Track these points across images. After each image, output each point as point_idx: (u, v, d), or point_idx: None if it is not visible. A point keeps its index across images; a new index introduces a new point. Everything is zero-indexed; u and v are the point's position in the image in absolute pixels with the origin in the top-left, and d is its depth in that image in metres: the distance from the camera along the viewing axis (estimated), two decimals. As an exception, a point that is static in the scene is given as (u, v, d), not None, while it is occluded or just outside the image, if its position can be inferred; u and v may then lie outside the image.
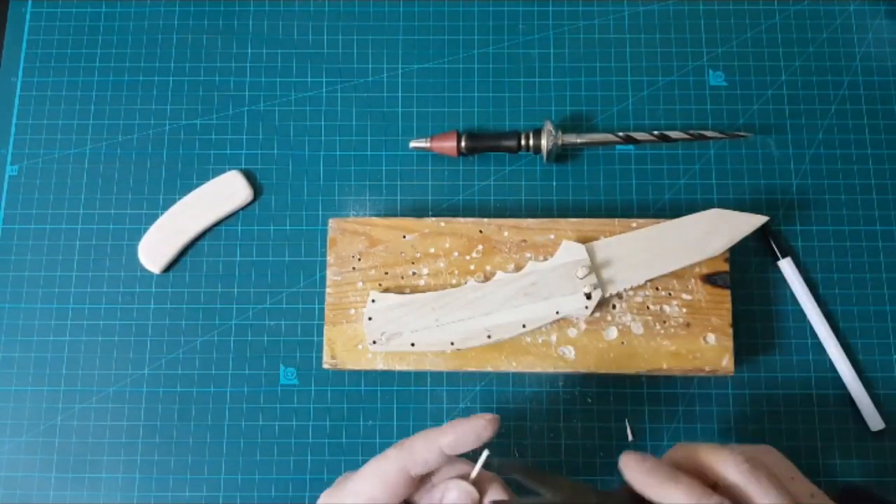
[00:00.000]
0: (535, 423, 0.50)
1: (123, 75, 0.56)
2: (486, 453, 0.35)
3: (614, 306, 0.47)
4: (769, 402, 0.50)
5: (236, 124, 0.55)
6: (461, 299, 0.46)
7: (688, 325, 0.47)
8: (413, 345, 0.46)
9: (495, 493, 0.36)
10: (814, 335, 0.50)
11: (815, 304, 0.50)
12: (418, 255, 0.48)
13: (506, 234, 0.48)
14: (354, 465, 0.49)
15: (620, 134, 0.51)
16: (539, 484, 0.36)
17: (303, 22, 0.56)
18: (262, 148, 0.54)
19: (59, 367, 0.51)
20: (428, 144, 0.53)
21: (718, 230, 0.47)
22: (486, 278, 0.48)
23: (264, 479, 0.49)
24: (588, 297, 0.46)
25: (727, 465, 0.34)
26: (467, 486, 0.35)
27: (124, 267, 0.52)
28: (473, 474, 0.36)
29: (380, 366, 0.47)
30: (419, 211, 0.53)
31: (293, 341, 0.51)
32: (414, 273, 0.48)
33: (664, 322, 0.47)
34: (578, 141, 0.52)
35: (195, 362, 0.51)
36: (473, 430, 0.35)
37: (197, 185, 0.53)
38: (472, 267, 0.48)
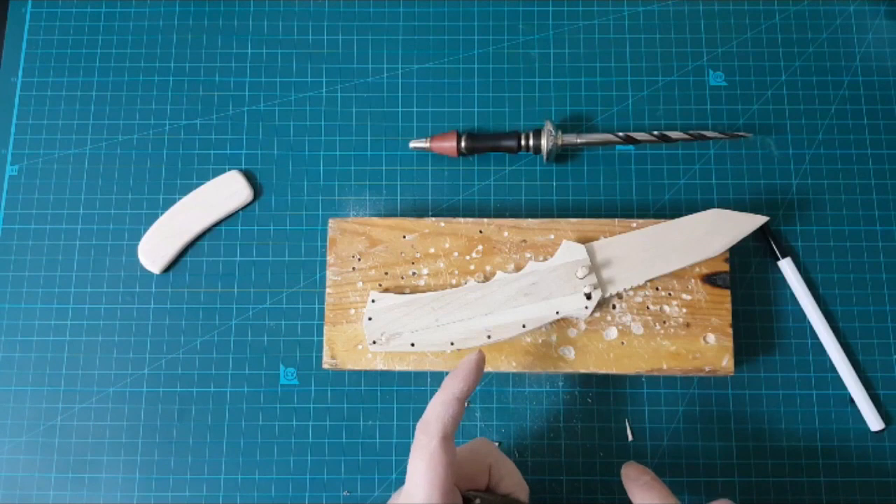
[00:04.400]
0: (535, 423, 0.50)
1: (123, 75, 0.56)
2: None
3: (614, 306, 0.47)
4: (769, 402, 0.50)
5: (236, 124, 0.55)
6: (461, 299, 0.46)
7: (688, 325, 0.47)
8: (413, 345, 0.46)
9: None
10: (814, 335, 0.50)
11: (815, 304, 0.50)
12: (418, 255, 0.48)
13: (506, 234, 0.48)
14: (354, 465, 0.49)
15: (620, 134, 0.51)
16: None
17: (303, 22, 0.56)
18: (262, 148, 0.54)
19: (59, 367, 0.51)
20: (428, 144, 0.53)
21: (718, 230, 0.47)
22: (486, 278, 0.48)
23: (264, 479, 0.49)
24: (588, 297, 0.46)
25: None
26: None
27: (124, 267, 0.52)
28: None
29: (380, 366, 0.47)
30: (419, 211, 0.53)
31: (293, 341, 0.51)
32: (414, 273, 0.48)
33: (664, 322, 0.47)
34: (578, 141, 0.52)
35: (195, 362, 0.51)
36: (472, 372, 0.38)
37: (197, 185, 0.53)
38: (472, 267, 0.48)
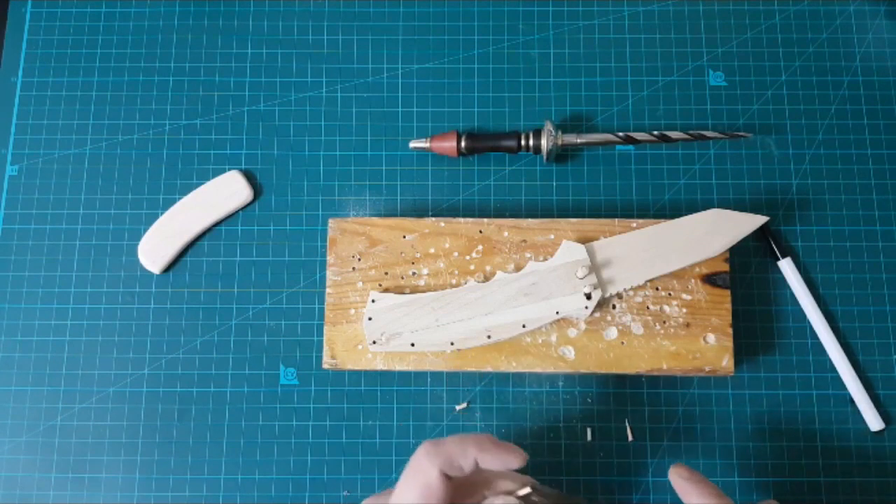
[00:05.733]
0: (535, 423, 0.50)
1: (123, 75, 0.56)
2: (527, 490, 0.37)
3: (614, 306, 0.47)
4: (769, 402, 0.50)
5: (236, 124, 0.55)
6: (461, 299, 0.46)
7: (688, 325, 0.47)
8: (413, 345, 0.46)
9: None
10: (814, 335, 0.50)
11: (815, 304, 0.50)
12: (418, 255, 0.48)
13: (506, 234, 0.49)
14: (354, 465, 0.49)
15: (620, 134, 0.51)
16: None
17: (303, 22, 0.56)
18: (262, 148, 0.54)
19: (59, 367, 0.51)
20: (428, 144, 0.53)
21: (718, 230, 0.47)
22: (486, 278, 0.48)
23: (264, 479, 0.49)
24: (588, 297, 0.46)
25: None
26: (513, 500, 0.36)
27: (124, 267, 0.52)
28: (521, 493, 0.37)
29: (380, 366, 0.47)
30: (419, 211, 0.53)
31: (293, 341, 0.51)
32: (414, 273, 0.48)
33: (664, 322, 0.47)
34: (578, 141, 0.52)
35: (195, 362, 0.51)
36: (504, 460, 0.36)
37: (197, 185, 0.53)
38: (472, 267, 0.48)
